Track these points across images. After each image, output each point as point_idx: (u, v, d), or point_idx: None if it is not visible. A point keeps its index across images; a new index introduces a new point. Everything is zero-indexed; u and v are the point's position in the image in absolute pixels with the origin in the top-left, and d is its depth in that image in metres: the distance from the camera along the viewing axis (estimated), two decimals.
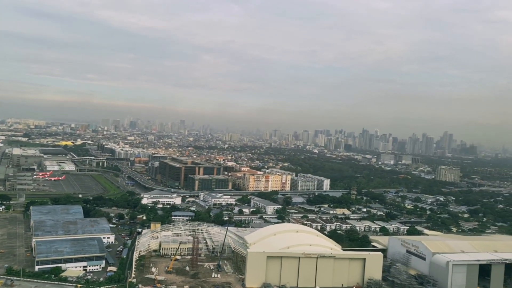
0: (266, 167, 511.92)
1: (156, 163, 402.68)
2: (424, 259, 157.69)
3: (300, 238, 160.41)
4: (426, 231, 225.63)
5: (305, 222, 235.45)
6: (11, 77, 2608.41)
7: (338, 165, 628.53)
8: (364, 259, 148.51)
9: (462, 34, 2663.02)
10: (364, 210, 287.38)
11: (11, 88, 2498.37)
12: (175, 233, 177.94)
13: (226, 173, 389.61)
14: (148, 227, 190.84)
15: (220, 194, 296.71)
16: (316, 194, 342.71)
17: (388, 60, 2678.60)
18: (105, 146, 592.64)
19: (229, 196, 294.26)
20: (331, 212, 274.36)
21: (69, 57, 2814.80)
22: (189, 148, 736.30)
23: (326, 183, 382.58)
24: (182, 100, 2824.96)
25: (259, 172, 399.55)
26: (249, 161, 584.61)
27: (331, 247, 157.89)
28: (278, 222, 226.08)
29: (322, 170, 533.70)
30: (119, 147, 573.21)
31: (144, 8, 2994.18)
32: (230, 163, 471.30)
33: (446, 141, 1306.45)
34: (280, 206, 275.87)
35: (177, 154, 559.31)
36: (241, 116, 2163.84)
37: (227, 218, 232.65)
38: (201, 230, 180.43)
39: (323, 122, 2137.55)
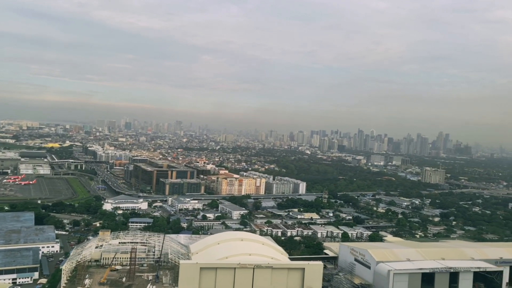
0: (250, 169, 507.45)
1: (131, 167, 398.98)
2: (369, 267, 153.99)
3: (243, 247, 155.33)
4: (389, 236, 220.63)
5: (266, 228, 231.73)
6: (11, 77, 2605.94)
7: (325, 166, 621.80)
8: (303, 269, 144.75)
9: (461, 34, 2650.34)
10: (331, 214, 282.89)
11: (11, 88, 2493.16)
12: (121, 242, 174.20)
13: (201, 176, 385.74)
14: None
15: (188, 199, 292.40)
16: (289, 197, 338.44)
17: (387, 60, 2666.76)
18: (89, 148, 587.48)
19: (196, 201, 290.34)
20: (299, 216, 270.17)
21: (68, 57, 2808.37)
22: (179, 150, 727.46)
23: (302, 186, 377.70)
24: (181, 101, 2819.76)
25: (235, 176, 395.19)
26: (236, 163, 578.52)
27: (273, 256, 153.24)
28: (240, 228, 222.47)
29: (306, 172, 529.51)
30: (102, 150, 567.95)
31: (143, 9, 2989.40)
32: (209, 166, 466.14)
33: (441, 141, 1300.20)
34: (247, 211, 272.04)
35: (160, 157, 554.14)
36: (240, 116, 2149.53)
37: (185, 224, 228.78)
38: (149, 238, 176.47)
39: (321, 123, 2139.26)
